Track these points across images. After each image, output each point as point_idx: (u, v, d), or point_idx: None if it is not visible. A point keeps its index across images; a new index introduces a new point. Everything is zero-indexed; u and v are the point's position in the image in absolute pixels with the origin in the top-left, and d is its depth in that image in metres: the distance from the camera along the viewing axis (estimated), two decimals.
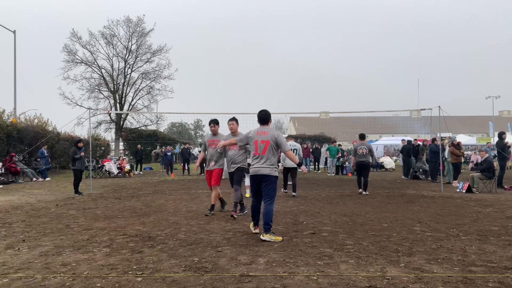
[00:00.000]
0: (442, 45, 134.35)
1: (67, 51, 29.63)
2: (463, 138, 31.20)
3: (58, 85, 55.31)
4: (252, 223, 5.76)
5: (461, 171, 18.92)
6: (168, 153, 20.65)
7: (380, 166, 23.63)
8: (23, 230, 6.14)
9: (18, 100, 49.46)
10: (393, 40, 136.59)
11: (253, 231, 5.65)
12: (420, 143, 17.09)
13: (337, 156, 20.06)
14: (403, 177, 17.19)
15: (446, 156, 13.85)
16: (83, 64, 30.46)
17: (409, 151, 16.91)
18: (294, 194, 10.29)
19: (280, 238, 5.28)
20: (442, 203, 8.91)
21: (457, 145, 13.88)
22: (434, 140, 15.29)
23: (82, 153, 11.11)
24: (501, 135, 12.93)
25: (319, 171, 22.37)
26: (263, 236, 5.25)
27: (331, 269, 4.01)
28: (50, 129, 22.65)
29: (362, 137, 11.23)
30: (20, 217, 7.36)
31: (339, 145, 22.15)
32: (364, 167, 10.88)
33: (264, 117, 5.55)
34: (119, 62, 31.65)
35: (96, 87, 31.08)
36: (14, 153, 17.00)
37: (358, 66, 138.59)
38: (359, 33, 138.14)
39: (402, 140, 18.95)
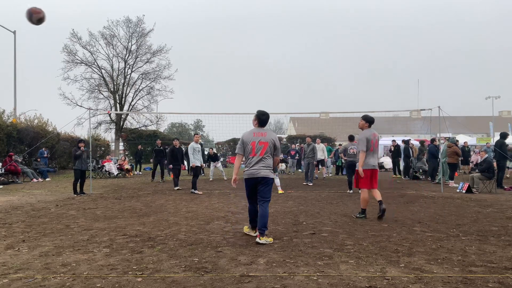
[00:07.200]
0: (442, 45, 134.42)
1: (67, 51, 29.62)
2: (463, 138, 31.16)
3: (58, 85, 55.42)
4: (249, 227, 5.69)
5: (462, 171, 18.95)
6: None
7: (380, 166, 23.62)
8: (23, 230, 6.14)
9: (18, 100, 49.49)
10: (393, 40, 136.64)
11: (254, 235, 5.51)
12: (420, 143, 17.22)
13: (330, 156, 19.97)
14: (393, 175, 17.90)
15: (440, 157, 13.82)
16: (83, 64, 30.44)
17: (406, 151, 17.03)
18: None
19: (271, 239, 5.23)
20: (442, 204, 8.91)
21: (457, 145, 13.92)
22: (433, 140, 15.31)
23: (82, 146, 11.16)
24: (504, 136, 12.91)
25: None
26: (260, 239, 5.15)
27: (331, 269, 4.01)
28: (50, 130, 22.67)
29: (351, 138, 11.88)
30: (20, 217, 7.37)
31: (339, 145, 22.18)
32: (355, 166, 11.34)
33: (264, 119, 5.48)
34: (119, 62, 31.64)
35: (96, 88, 31.08)
36: (13, 153, 17.01)
37: (358, 66, 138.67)
38: (359, 33, 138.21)
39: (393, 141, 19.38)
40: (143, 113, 32.56)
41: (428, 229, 6.01)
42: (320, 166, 17.80)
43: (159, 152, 17.14)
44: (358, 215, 7.03)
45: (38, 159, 19.06)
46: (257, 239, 5.17)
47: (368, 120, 7.26)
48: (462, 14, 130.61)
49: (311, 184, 13.92)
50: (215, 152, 19.35)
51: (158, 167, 16.94)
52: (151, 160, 18.82)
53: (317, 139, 18.64)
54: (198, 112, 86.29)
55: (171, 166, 13.13)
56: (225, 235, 5.63)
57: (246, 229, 5.73)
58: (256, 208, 5.48)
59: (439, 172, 13.74)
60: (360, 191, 7.29)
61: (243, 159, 5.56)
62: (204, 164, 18.99)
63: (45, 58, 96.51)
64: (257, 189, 5.39)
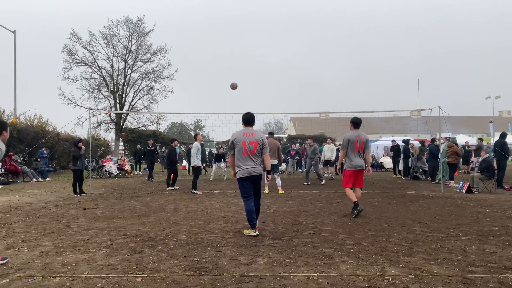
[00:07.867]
0: (442, 45, 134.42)
1: (67, 51, 29.64)
2: (463, 138, 31.18)
3: (58, 85, 55.44)
4: (248, 227, 5.74)
5: (462, 171, 18.94)
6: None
7: (380, 166, 23.63)
8: (23, 230, 6.14)
9: (18, 100, 49.49)
10: (393, 40, 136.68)
11: (254, 234, 5.58)
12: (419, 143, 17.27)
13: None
14: (393, 175, 18.06)
15: (440, 157, 13.80)
16: (83, 64, 30.46)
17: (406, 151, 17.03)
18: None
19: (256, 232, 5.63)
20: (442, 203, 8.91)
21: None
22: (433, 140, 15.30)
23: (82, 145, 11.21)
24: (504, 136, 12.89)
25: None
26: (246, 231, 5.69)
27: (331, 269, 4.01)
28: (50, 129, 22.68)
29: None
30: (20, 217, 7.37)
31: (340, 145, 22.13)
32: None
33: (247, 118, 5.88)
34: (119, 62, 31.65)
35: (96, 87, 31.08)
36: (13, 153, 17.03)
37: (358, 66, 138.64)
38: (358, 33, 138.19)
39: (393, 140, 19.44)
40: (143, 113, 32.57)
41: (428, 229, 6.01)
42: (328, 166, 17.63)
43: (151, 152, 17.25)
44: (354, 212, 7.02)
45: (38, 159, 19.07)
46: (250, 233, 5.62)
47: (352, 121, 7.36)
48: (462, 14, 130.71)
49: (322, 182, 14.62)
50: (223, 152, 19.37)
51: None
52: (144, 161, 19.07)
53: (328, 139, 18.40)
54: (198, 112, 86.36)
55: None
56: (225, 235, 5.62)
57: (246, 231, 5.76)
58: (253, 206, 5.73)
59: (439, 172, 13.73)
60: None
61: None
62: (204, 164, 19.02)
63: (45, 58, 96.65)
64: (252, 187, 5.77)
